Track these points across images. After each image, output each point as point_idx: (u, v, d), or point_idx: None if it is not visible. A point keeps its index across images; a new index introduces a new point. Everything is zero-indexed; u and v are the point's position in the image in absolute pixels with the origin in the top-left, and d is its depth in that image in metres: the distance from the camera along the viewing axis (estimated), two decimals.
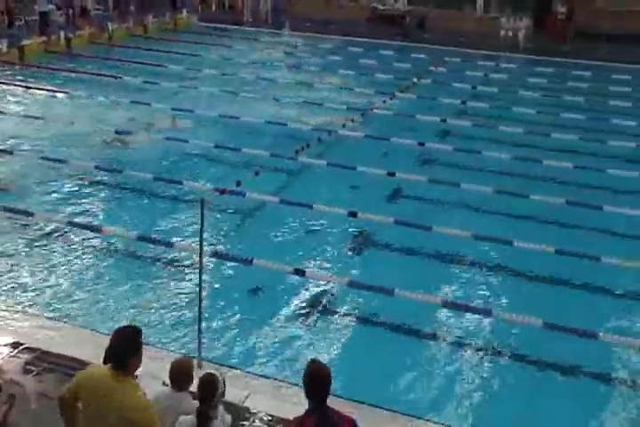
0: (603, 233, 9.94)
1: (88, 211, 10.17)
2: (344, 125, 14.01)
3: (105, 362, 3.98)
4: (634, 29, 27.38)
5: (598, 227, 10.03)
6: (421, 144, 13.10)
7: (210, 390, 4.33)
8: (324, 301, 8.03)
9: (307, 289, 8.23)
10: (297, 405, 4.47)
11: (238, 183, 10.26)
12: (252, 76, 18.85)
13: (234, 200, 10.43)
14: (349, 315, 7.76)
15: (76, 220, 9.61)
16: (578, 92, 18.70)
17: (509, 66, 23.01)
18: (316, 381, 4.01)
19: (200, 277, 6.78)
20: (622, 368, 6.97)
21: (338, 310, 7.86)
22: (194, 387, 4.43)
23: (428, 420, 6.01)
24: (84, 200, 10.56)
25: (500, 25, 27.17)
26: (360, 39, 25.79)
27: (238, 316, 7.64)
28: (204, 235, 6.55)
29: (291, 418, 4.04)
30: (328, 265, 8.96)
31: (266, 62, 20.77)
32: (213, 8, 30.71)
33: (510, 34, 26.98)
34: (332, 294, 8.16)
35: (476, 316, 7.64)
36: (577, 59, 23.93)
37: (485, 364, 6.94)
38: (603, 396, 6.52)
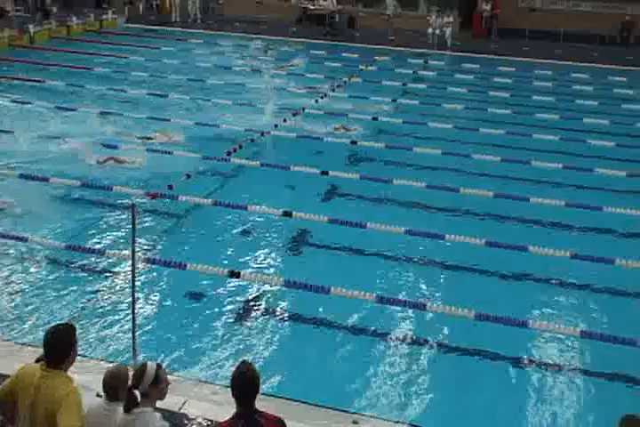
0: (530, 224, 10.22)
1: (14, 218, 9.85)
2: (276, 126, 14.03)
3: (40, 360, 3.99)
4: (554, 27, 28.35)
5: (526, 217, 10.31)
6: (354, 142, 13.22)
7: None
8: (262, 302, 8.02)
9: (243, 291, 8.19)
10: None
11: (170, 187, 10.15)
12: (181, 78, 18.64)
13: (167, 204, 10.31)
14: (287, 315, 7.77)
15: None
16: (503, 87, 19.21)
17: (438, 63, 23.43)
18: (242, 383, 3.99)
19: (133, 284, 6.67)
20: (553, 355, 7.17)
21: (275, 310, 7.85)
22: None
23: (365, 414, 6.07)
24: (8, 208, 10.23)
25: (428, 23, 27.65)
26: (291, 39, 25.82)
27: (174, 321, 7.54)
28: (138, 241, 6.44)
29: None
30: (265, 266, 8.95)
31: (194, 64, 20.55)
32: (141, 9, 30.20)
33: (438, 32, 27.47)
34: (269, 295, 8.15)
35: (412, 310, 7.75)
36: (502, 55, 24.55)
37: (422, 357, 7.04)
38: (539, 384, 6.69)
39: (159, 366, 4.28)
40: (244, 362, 4.17)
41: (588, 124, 15.57)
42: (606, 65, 23.75)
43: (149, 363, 4.28)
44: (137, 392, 4.20)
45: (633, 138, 14.69)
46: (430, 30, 27.51)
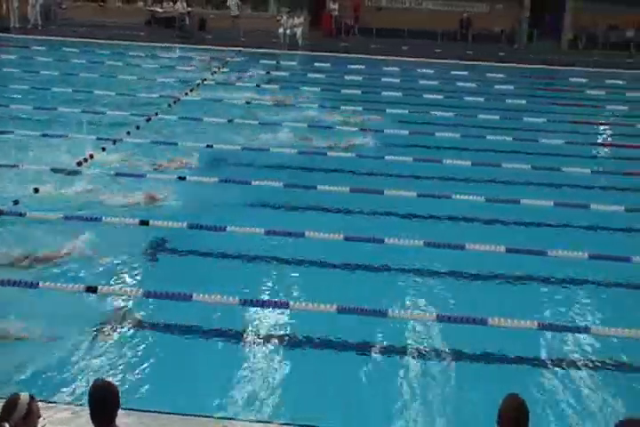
0: (385, 216, 10.52)
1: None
2: (139, 127, 13.58)
3: None
4: (400, 25, 29.51)
5: (381, 211, 10.61)
6: (209, 146, 13.05)
7: None
8: (121, 314, 7.70)
9: (101, 305, 7.83)
10: None
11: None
12: (24, 84, 17.61)
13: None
14: (148, 326, 7.52)
15: None
16: (355, 84, 19.75)
17: (290, 63, 23.69)
18: (100, 400, 3.85)
19: None
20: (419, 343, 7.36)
21: (136, 322, 7.57)
22: None
23: (236, 419, 5.99)
24: None
25: (279, 23, 27.90)
26: (139, 43, 25.13)
27: (28, 344, 7.08)
28: None
29: None
30: (124, 277, 8.60)
31: (39, 71, 19.47)
32: None
33: (289, 32, 27.79)
34: (128, 307, 7.84)
35: (278, 310, 7.73)
36: (351, 53, 25.23)
37: (292, 356, 7.01)
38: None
39: (32, 397, 3.97)
40: (98, 379, 4.03)
41: (435, 117, 16.29)
42: (449, 60, 25.01)
43: (22, 394, 3.97)
44: (6, 426, 3.91)
45: (477, 129, 15.51)
46: (281, 30, 27.79)
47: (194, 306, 7.46)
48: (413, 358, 6.95)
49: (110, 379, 4.77)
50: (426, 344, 7.18)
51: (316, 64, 22.99)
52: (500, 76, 22.42)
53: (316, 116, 16.14)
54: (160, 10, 30.27)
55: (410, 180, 12.00)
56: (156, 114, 15.25)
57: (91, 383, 4.04)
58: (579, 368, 6.93)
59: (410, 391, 6.42)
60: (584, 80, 22.44)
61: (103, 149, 12.36)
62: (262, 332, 7.40)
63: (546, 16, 30.81)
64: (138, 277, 8.57)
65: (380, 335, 7.33)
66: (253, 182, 10.94)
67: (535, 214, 10.56)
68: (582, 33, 30.73)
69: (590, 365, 6.97)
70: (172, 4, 30.06)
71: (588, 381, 6.73)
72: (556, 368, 6.92)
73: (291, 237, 9.23)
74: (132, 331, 7.36)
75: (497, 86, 20.75)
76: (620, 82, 22.47)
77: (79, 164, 11.50)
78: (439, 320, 7.42)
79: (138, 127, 14.10)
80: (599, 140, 16.19)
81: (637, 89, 21.41)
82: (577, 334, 7.41)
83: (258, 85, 19.11)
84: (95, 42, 24.51)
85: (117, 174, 11.29)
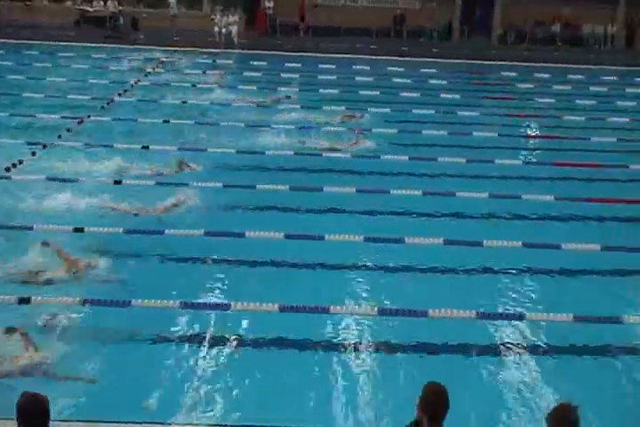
0: (325, 213, 10.57)
1: None
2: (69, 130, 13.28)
3: None
4: (336, 22, 29.70)
5: (320, 208, 10.66)
6: (145, 147, 12.88)
7: None
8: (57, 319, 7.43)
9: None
10: None
11: None
12: None
13: None
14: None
15: None
16: (291, 82, 19.79)
17: (227, 62, 23.56)
18: (32, 412, 3.76)
19: None
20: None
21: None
22: None
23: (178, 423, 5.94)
24: None
25: (214, 22, 27.68)
26: (69, 44, 24.53)
27: None
28: None
29: None
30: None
31: None
32: None
33: (224, 31, 27.60)
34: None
35: (214, 311, 7.63)
36: (287, 51, 25.23)
37: (224, 356, 6.95)
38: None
39: None
40: (26, 392, 3.93)
41: (372, 113, 16.47)
42: (384, 56, 25.30)
43: None
44: None
45: (413, 124, 15.74)
46: (216, 29, 27.59)
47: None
48: (355, 352, 7.02)
49: None
50: (368, 338, 7.25)
51: (253, 62, 22.92)
52: (434, 71, 22.83)
53: (254, 114, 16.11)
54: (90, 9, 29.62)
55: (348, 176, 12.11)
56: (89, 116, 14.95)
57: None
58: (516, 354, 7.10)
59: (351, 385, 6.50)
60: (514, 74, 23.08)
61: (33, 154, 12.03)
62: (198, 333, 7.33)
63: (476, 12, 31.49)
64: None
65: (323, 331, 7.37)
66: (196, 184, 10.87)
67: (471, 206, 10.79)
68: (511, 29, 31.56)
69: (526, 350, 7.15)
70: (102, 3, 29.45)
71: (525, 366, 6.91)
72: (495, 355, 7.09)
73: (231, 237, 9.19)
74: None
75: (431, 81, 21.13)
76: (547, 75, 23.19)
77: (7, 169, 11.17)
78: (380, 314, 7.51)
79: (69, 130, 13.80)
80: (529, 133, 16.64)
81: (563, 82, 22.16)
82: (513, 322, 7.61)
83: (194, 85, 18.93)
84: (22, 42, 23.81)
85: (49, 179, 10.97)
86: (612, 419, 6.06)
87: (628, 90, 21.49)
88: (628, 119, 17.08)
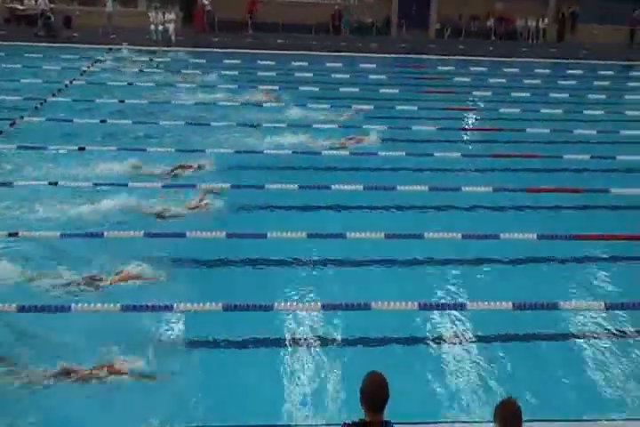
0: (264, 210, 10.54)
1: None
2: None
3: None
4: (275, 18, 29.61)
5: (261, 205, 10.63)
6: (82, 148, 12.59)
7: None
8: None
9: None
10: None
11: None
12: None
13: None
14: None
15: None
16: (232, 79, 19.66)
17: (165, 59, 23.23)
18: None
19: None
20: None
21: None
22: None
23: None
24: None
25: (150, 20, 27.23)
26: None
27: None
28: None
29: None
30: None
31: None
32: None
33: (161, 28, 27.19)
34: None
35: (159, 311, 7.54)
36: (224, 48, 25.07)
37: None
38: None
39: None
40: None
41: (311, 108, 16.50)
42: (323, 53, 25.37)
43: None
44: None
45: (350, 120, 15.81)
46: (153, 27, 27.16)
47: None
48: (302, 347, 7.05)
49: None
50: (314, 333, 7.28)
51: (191, 60, 22.67)
52: (373, 66, 23.01)
53: (194, 112, 15.94)
54: (20, 7, 28.73)
55: (290, 172, 12.11)
56: (22, 117, 14.52)
57: None
58: (457, 343, 7.23)
59: (298, 378, 6.53)
60: (451, 68, 23.45)
61: None
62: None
63: (413, 7, 31.84)
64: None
65: (267, 328, 7.35)
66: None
67: (411, 199, 10.92)
68: (447, 23, 32.05)
69: (469, 339, 7.30)
70: (33, 0, 28.61)
71: (468, 355, 7.04)
72: (437, 344, 7.21)
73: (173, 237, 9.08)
74: None
75: (371, 76, 21.29)
76: (483, 69, 23.65)
77: None
78: (325, 309, 7.54)
79: (1, 132, 13.37)
80: (467, 126, 16.93)
81: (499, 75, 22.65)
82: (454, 311, 7.75)
83: (130, 84, 18.60)
84: None
85: None
86: (552, 403, 6.26)
87: (560, 82, 22.10)
88: (561, 110, 17.56)
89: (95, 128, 14.32)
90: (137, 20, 27.99)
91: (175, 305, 7.29)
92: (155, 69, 21.24)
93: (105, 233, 8.89)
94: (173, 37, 26.98)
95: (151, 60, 22.88)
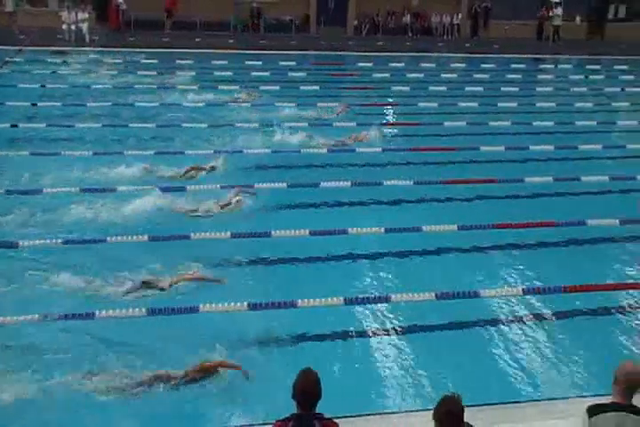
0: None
1: None
2: None
3: None
4: (193, 17, 29.23)
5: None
6: None
7: None
8: None
9: None
10: None
11: None
12: None
13: None
14: None
15: None
16: (149, 78, 19.33)
17: (78, 60, 22.64)
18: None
19: None
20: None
21: None
22: None
23: None
24: None
25: (62, 20, 26.43)
26: None
27: None
28: None
29: None
30: None
31: None
32: None
33: (74, 28, 26.44)
34: None
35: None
36: (140, 47, 24.64)
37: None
38: None
39: None
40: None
41: (231, 107, 16.40)
42: (241, 51, 25.25)
43: None
44: None
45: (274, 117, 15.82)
46: (65, 27, 26.37)
47: None
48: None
49: None
50: (238, 333, 7.24)
51: (105, 60, 22.15)
52: (293, 63, 23.05)
53: (111, 111, 15.60)
54: None
55: (269, 170, 12.11)
56: None
57: None
58: (384, 336, 7.33)
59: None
60: (370, 64, 23.75)
61: None
62: None
63: (331, 4, 32.06)
64: None
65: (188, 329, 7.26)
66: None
67: (334, 195, 11.01)
68: (365, 19, 32.43)
69: (395, 331, 7.41)
70: None
71: (394, 347, 7.15)
72: (366, 339, 7.30)
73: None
74: None
75: (290, 74, 21.32)
76: (401, 64, 24.06)
77: None
78: (250, 309, 7.50)
79: None
80: (387, 120, 17.18)
81: (416, 70, 23.10)
82: (380, 304, 7.86)
83: (43, 86, 18.01)
84: None
85: None
86: (474, 392, 6.42)
87: (475, 75, 22.73)
88: (476, 103, 18.05)
89: (5, 133, 13.80)
90: (48, 20, 27.12)
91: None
92: (69, 70, 20.62)
93: (152, 236, 8.78)
94: (87, 37, 26.29)
95: (64, 61, 22.21)
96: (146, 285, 7.89)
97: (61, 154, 12.20)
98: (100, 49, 24.89)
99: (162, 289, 7.84)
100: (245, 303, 7.32)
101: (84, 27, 26.53)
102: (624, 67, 25.39)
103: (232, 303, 7.31)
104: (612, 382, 4.37)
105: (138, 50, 24.16)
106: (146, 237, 8.82)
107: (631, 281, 8.65)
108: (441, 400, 3.97)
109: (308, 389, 4.17)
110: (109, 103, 16.45)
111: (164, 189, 10.40)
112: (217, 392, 6.17)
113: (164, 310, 7.15)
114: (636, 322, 7.74)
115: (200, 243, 8.93)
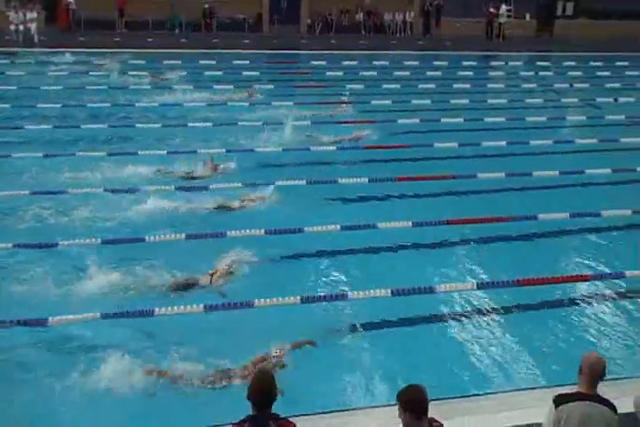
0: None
1: None
2: None
3: None
4: (145, 16, 28.87)
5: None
6: None
7: None
8: None
9: None
10: None
11: None
12: None
13: None
14: None
15: None
16: (100, 78, 19.07)
17: (27, 61, 22.16)
18: None
19: None
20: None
21: None
22: None
23: None
24: None
25: (9, 20, 25.84)
26: None
27: None
28: None
29: None
30: None
31: None
32: None
33: (22, 28, 25.87)
34: None
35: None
36: (91, 48, 24.28)
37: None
38: None
39: None
40: None
41: (186, 108, 16.28)
42: (195, 50, 25.07)
43: None
44: None
45: (228, 116, 15.75)
46: (13, 27, 25.79)
47: None
48: None
49: None
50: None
51: (55, 60, 21.74)
52: (246, 62, 22.95)
53: (65, 111, 15.33)
54: None
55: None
56: None
57: None
58: (347, 334, 7.32)
59: None
60: (323, 62, 23.78)
61: None
62: None
63: (284, 3, 32.00)
64: None
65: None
66: None
67: (290, 193, 10.98)
68: (318, 18, 32.46)
69: (352, 329, 7.41)
70: None
71: (352, 346, 7.14)
72: (324, 338, 7.26)
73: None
74: None
75: (244, 73, 21.23)
76: (355, 62, 24.15)
77: None
78: (206, 311, 7.43)
79: None
80: (340, 118, 17.21)
81: (370, 68, 23.22)
82: (337, 302, 7.87)
83: None
84: None
85: None
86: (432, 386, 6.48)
87: (428, 73, 22.96)
88: (429, 101, 18.23)
89: None
90: None
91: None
92: (18, 72, 20.17)
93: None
94: (36, 38, 25.76)
95: (12, 62, 21.71)
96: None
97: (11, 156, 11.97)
98: (49, 50, 24.39)
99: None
100: None
101: (33, 27, 25.99)
102: (572, 63, 25.94)
103: None
104: (577, 373, 4.54)
105: (88, 50, 23.79)
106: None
107: (583, 273, 8.84)
108: (407, 388, 4.08)
109: (263, 389, 4.18)
110: (60, 104, 16.15)
111: None
112: None
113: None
114: (589, 313, 7.93)
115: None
